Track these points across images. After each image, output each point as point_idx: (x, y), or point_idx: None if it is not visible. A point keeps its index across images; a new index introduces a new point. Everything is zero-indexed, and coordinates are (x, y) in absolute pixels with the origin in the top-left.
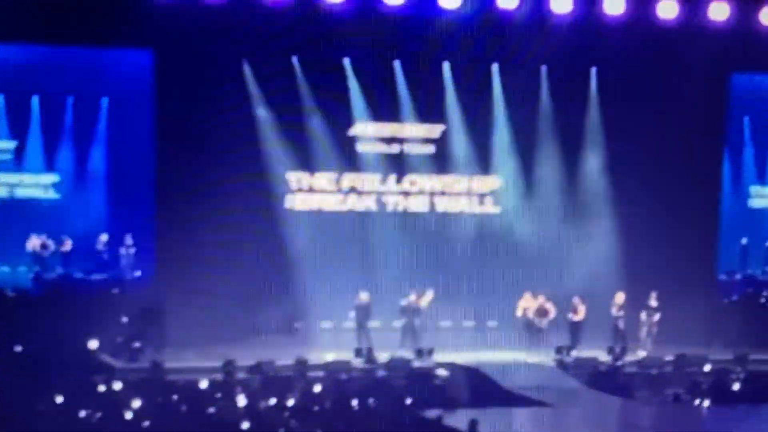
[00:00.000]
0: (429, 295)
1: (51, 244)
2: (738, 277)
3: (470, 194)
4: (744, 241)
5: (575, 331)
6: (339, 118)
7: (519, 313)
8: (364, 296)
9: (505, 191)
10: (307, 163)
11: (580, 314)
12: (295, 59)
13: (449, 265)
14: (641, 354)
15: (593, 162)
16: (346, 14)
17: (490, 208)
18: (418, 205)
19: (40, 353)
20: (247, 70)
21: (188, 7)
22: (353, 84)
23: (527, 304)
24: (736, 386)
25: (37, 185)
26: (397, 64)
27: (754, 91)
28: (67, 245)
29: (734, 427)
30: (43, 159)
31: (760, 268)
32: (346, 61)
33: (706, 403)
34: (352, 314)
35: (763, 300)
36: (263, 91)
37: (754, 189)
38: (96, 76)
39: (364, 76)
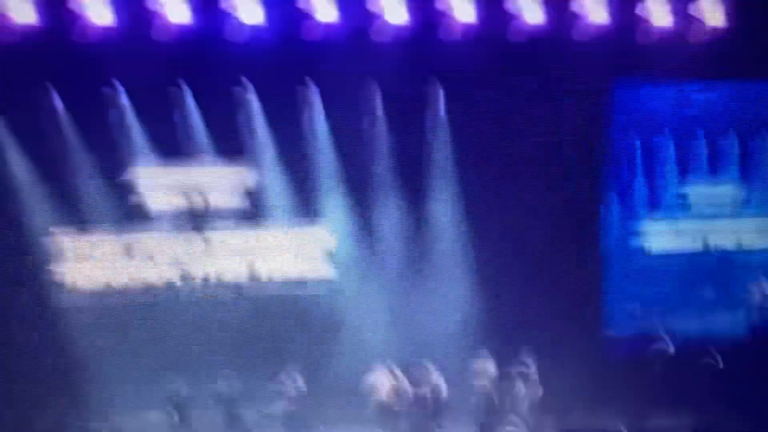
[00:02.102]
0: None
1: None
2: (629, 332)
3: (297, 252)
4: (634, 288)
5: (436, 407)
6: (114, 162)
7: (370, 393)
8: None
9: (338, 245)
10: (78, 221)
11: (440, 388)
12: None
13: (274, 339)
14: (516, 429)
15: (444, 201)
16: (111, 33)
17: (320, 267)
18: (230, 270)
19: None
20: None
21: None
22: (129, 117)
23: (378, 383)
24: None
25: None
26: (186, 91)
27: (642, 106)
28: None
29: None
30: None
31: (652, 321)
32: (118, 89)
33: None
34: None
35: (658, 359)
36: (11, 131)
37: (645, 225)
38: None
39: (143, 107)
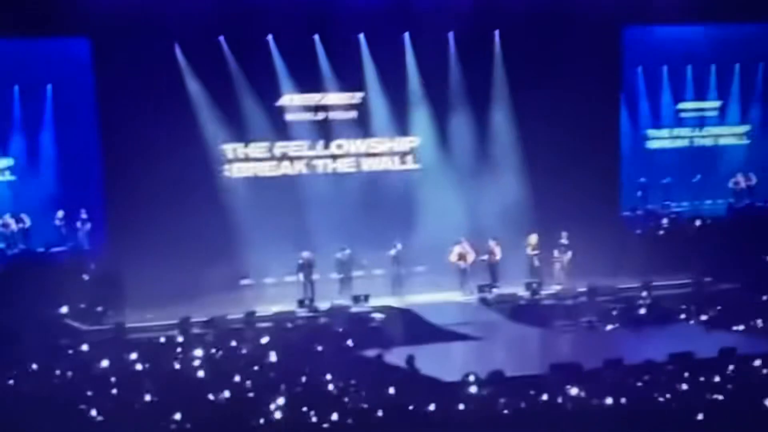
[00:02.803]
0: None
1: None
2: (639, 212)
3: (392, 153)
4: (643, 179)
5: (494, 271)
6: (267, 91)
7: (451, 258)
8: (306, 254)
9: (424, 148)
10: (240, 134)
11: (497, 255)
12: (222, 38)
13: (378, 219)
14: (556, 287)
15: (501, 116)
16: None
17: (410, 164)
18: (345, 166)
19: (10, 325)
20: (179, 52)
21: None
22: (278, 58)
23: (455, 250)
24: (642, 311)
25: None
26: (317, 38)
27: (646, 43)
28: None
29: (642, 347)
30: None
31: (659, 204)
32: (270, 38)
33: (617, 327)
34: (296, 270)
35: (662, 232)
36: (196, 71)
37: (650, 132)
38: (39, 65)
39: (287, 51)
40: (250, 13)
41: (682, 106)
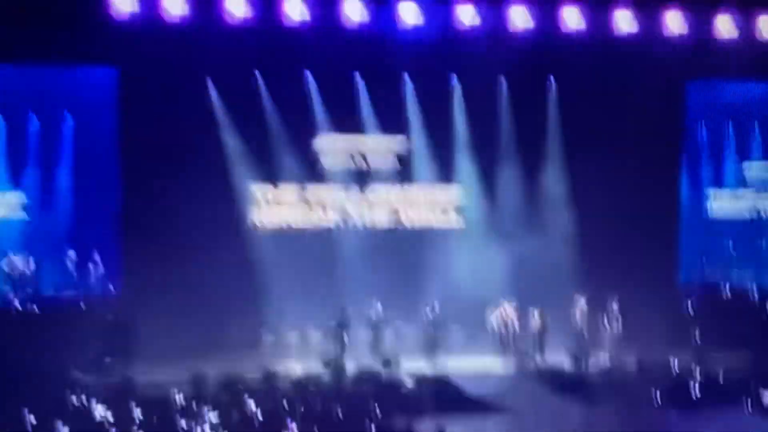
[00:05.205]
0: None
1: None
2: (700, 282)
3: (433, 206)
4: (703, 245)
5: (538, 338)
6: (302, 130)
7: (491, 321)
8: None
9: (468, 202)
10: (271, 176)
11: (540, 321)
12: (257, 73)
13: (411, 275)
14: (604, 360)
15: (553, 170)
16: (307, 28)
17: (452, 219)
18: (381, 216)
19: (12, 371)
20: (210, 85)
21: (151, 25)
22: (315, 96)
23: (497, 314)
24: (698, 390)
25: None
26: (357, 76)
27: (709, 98)
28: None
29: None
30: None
31: (721, 274)
32: (307, 74)
33: (670, 407)
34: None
35: (725, 304)
36: (227, 107)
37: (713, 193)
38: (59, 94)
39: (325, 89)
40: (288, 47)
41: (746, 167)
